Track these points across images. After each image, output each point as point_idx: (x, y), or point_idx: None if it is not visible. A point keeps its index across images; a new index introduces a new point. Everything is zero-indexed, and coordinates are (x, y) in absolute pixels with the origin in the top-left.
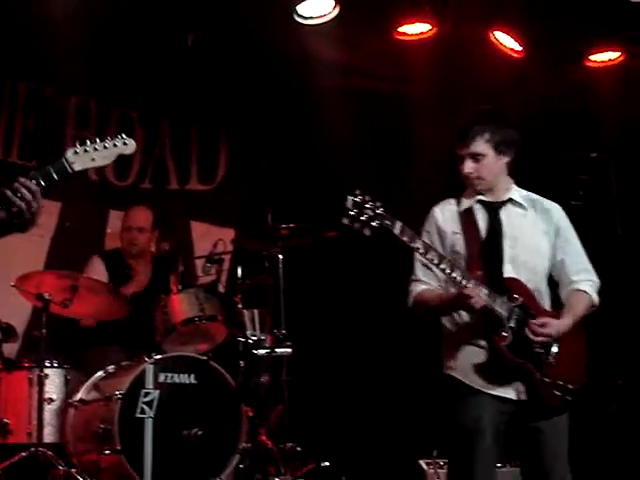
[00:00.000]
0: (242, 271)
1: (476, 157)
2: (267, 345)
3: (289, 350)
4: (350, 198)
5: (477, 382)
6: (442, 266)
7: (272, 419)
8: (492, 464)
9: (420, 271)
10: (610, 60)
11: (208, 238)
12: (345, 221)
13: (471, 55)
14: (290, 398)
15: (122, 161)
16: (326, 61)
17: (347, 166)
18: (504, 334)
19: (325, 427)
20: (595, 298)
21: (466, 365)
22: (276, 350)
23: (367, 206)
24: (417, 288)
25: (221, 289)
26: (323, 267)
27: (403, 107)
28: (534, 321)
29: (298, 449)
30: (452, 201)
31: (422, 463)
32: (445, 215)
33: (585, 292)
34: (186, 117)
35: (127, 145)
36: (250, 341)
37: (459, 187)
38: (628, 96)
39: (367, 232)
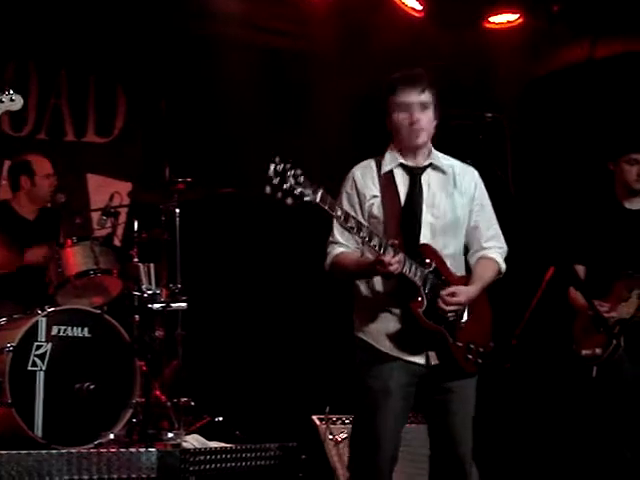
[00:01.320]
0: (138, 224)
1: (424, 107)
2: (162, 299)
3: (184, 305)
4: (272, 166)
5: (389, 347)
6: (362, 234)
7: (166, 374)
8: (398, 423)
9: (338, 233)
10: (509, 22)
11: (104, 191)
12: (268, 190)
13: (372, 13)
14: (185, 353)
15: (18, 111)
16: (228, 14)
17: (247, 121)
18: (419, 300)
19: (220, 382)
20: (502, 266)
21: (379, 330)
22: (171, 304)
23: (289, 174)
24: (335, 251)
25: (117, 242)
26: (219, 222)
27: (304, 63)
28: (444, 291)
29: (192, 404)
30: (372, 163)
31: (315, 419)
32: (365, 178)
33: (494, 260)
34: (84, 68)
35: (14, 101)
36: (145, 295)
37: (361, 145)
38: (526, 58)
39: (290, 201)
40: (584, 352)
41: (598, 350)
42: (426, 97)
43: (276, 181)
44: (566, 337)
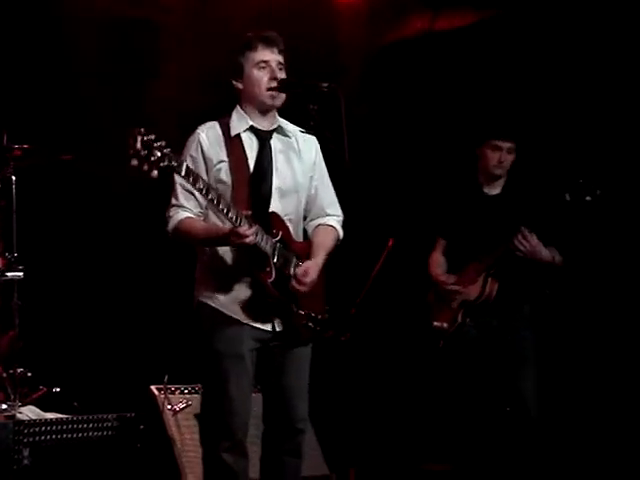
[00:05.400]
0: None
1: (281, 67)
2: None
3: (20, 274)
4: (139, 138)
5: (237, 314)
6: (221, 206)
7: (2, 344)
8: (249, 389)
9: (182, 197)
10: None
11: None
12: (134, 162)
13: None
14: (21, 323)
15: None
16: None
17: (90, 88)
18: (268, 271)
19: (57, 352)
20: (341, 233)
21: (227, 297)
22: (7, 274)
23: (155, 145)
24: (179, 215)
25: None
26: (58, 189)
27: (152, 30)
28: (298, 272)
29: (29, 374)
30: (216, 125)
31: (153, 389)
32: (211, 140)
33: (333, 227)
34: None
35: None
36: None
37: (210, 112)
38: (371, 28)
39: (155, 174)
40: (435, 324)
41: (446, 325)
42: (282, 59)
43: (143, 153)
44: (417, 306)
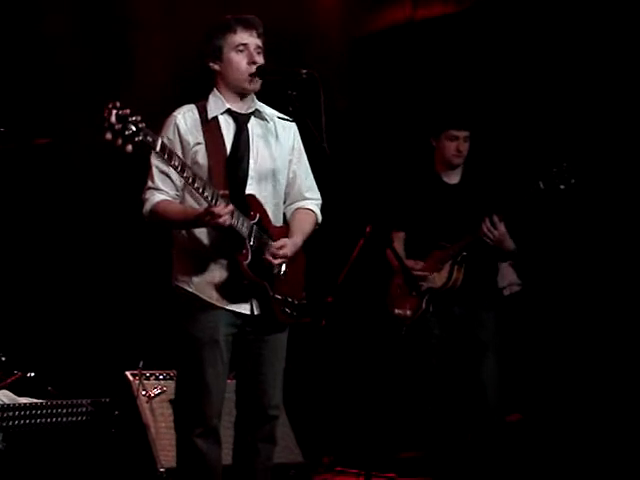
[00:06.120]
0: None
1: (260, 51)
2: None
3: None
4: (114, 112)
5: (213, 297)
6: (196, 185)
7: None
8: (224, 375)
9: (159, 179)
10: None
11: None
12: (108, 136)
13: None
14: None
15: None
16: None
17: (65, 71)
18: (244, 252)
19: (31, 337)
20: (319, 217)
21: (203, 280)
22: None
23: (130, 120)
24: (155, 197)
25: None
26: (34, 174)
27: (124, 13)
28: (273, 245)
29: (3, 359)
30: (194, 108)
31: (128, 374)
32: (188, 123)
33: (311, 211)
34: None
35: None
36: None
37: (183, 97)
38: (350, 16)
39: (129, 148)
40: (396, 311)
41: (409, 312)
42: (260, 42)
43: (118, 127)
44: (381, 295)
